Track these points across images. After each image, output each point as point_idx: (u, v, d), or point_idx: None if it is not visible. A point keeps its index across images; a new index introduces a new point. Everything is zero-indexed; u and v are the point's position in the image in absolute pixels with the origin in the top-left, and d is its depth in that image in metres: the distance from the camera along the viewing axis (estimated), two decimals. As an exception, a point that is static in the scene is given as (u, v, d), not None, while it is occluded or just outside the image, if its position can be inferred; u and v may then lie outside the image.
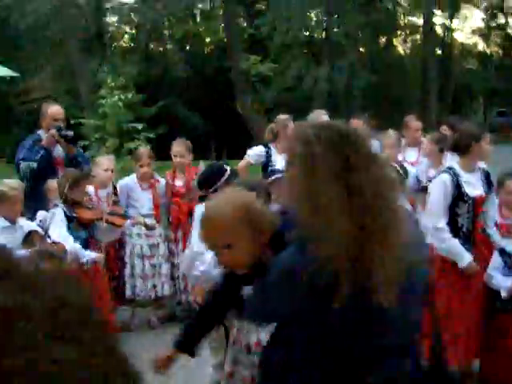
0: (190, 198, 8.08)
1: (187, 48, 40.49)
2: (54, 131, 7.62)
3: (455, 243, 5.85)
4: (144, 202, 7.99)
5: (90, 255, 6.45)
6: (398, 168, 7.19)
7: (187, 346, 3.59)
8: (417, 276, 2.50)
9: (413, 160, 8.51)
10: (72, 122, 12.55)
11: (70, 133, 7.87)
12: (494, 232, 6.38)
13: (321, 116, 8.94)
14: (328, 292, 2.31)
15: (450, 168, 5.97)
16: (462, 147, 5.97)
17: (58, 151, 7.81)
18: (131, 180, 8.05)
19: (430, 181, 7.32)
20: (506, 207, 6.95)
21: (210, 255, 4.63)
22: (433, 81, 40.28)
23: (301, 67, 30.24)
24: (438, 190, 5.88)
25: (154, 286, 7.97)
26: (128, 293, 7.91)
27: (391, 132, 8.30)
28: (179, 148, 8.19)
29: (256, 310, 2.84)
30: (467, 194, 5.83)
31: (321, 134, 2.43)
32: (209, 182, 5.33)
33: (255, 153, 8.72)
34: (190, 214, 8.01)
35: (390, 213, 2.35)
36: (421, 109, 37.91)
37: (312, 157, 2.38)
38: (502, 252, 6.20)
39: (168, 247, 8.11)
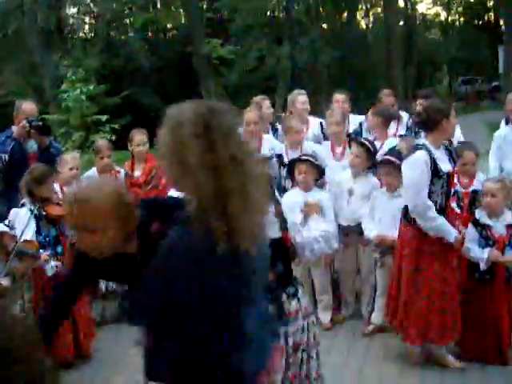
0: (149, 188, 8.11)
1: (148, 35, 40.30)
2: (24, 122, 7.64)
3: (443, 221, 5.84)
4: None
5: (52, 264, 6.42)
6: (367, 143, 7.31)
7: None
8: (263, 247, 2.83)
9: (393, 131, 8.47)
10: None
11: (41, 123, 7.90)
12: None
13: (298, 95, 8.99)
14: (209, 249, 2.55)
15: (422, 144, 5.88)
16: (430, 123, 5.89)
17: (32, 146, 7.81)
18: (92, 174, 8.01)
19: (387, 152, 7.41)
20: (463, 176, 7.11)
21: None
22: (396, 53, 40.38)
23: (263, 48, 30.18)
24: (420, 168, 5.76)
25: None
26: (102, 287, 7.93)
27: (337, 109, 8.35)
28: (141, 137, 8.21)
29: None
30: (442, 170, 5.80)
31: (190, 107, 2.78)
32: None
33: None
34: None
35: (246, 177, 2.64)
36: (386, 81, 38.03)
37: (179, 127, 2.70)
38: (476, 223, 6.35)
39: None
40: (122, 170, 8.26)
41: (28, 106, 8.04)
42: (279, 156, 7.98)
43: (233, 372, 2.74)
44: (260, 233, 2.71)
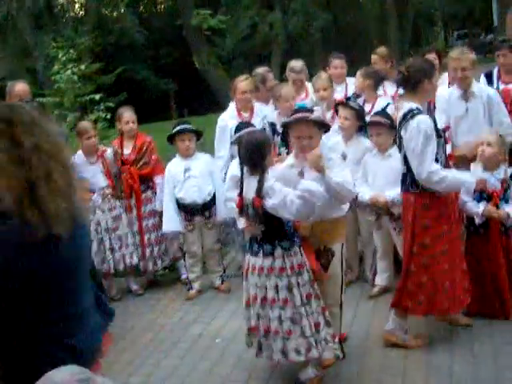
0: (140, 164, 8.11)
1: (140, 10, 40.06)
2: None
3: (453, 175, 5.71)
4: (97, 176, 8.01)
5: None
6: (354, 104, 7.28)
7: None
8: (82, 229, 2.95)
9: (393, 93, 8.38)
10: (34, 100, 12.40)
11: (35, 105, 7.86)
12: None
13: (292, 64, 8.95)
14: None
15: (416, 108, 5.65)
16: (411, 84, 5.71)
17: None
18: (78, 157, 7.99)
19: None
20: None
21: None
22: (391, 12, 40.09)
23: (254, 16, 29.96)
24: (423, 135, 5.51)
25: (123, 257, 8.04)
26: (99, 267, 7.97)
27: (322, 74, 8.31)
28: (129, 114, 8.23)
29: None
30: (439, 129, 5.75)
31: None
32: None
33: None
34: (142, 180, 8.07)
35: (52, 165, 2.76)
36: (381, 41, 37.79)
37: None
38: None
39: (127, 216, 8.14)
40: (109, 149, 8.24)
41: (21, 87, 8.04)
42: (272, 124, 7.98)
43: (67, 348, 2.82)
44: (73, 218, 2.79)
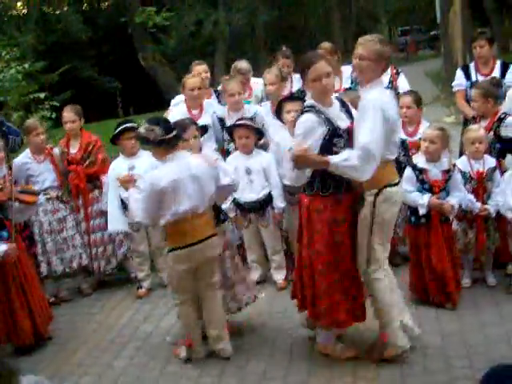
0: (86, 164, 8.04)
1: (84, 8, 39.66)
2: None
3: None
4: (45, 174, 7.90)
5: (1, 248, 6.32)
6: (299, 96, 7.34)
7: None
8: None
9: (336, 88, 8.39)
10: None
11: None
12: None
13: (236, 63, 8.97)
14: None
15: (310, 106, 5.40)
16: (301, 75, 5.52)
17: None
18: (25, 156, 7.90)
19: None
20: (408, 125, 7.33)
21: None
22: (334, 9, 40.40)
23: (198, 13, 29.92)
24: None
25: (69, 258, 7.95)
26: (43, 271, 7.88)
27: (273, 69, 8.33)
28: (68, 114, 8.12)
29: None
30: (340, 127, 5.33)
31: None
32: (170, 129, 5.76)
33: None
34: (89, 179, 8.00)
35: None
36: (325, 38, 38.00)
37: None
38: (414, 167, 6.59)
39: (73, 218, 8.06)
40: (56, 148, 8.15)
41: None
42: (221, 119, 8.01)
43: None
44: None
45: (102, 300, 8.02)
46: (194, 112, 8.08)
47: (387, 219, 5.37)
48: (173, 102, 8.97)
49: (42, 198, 7.49)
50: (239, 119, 7.56)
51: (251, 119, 7.66)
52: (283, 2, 37.50)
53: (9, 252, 6.31)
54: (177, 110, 8.24)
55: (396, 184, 5.43)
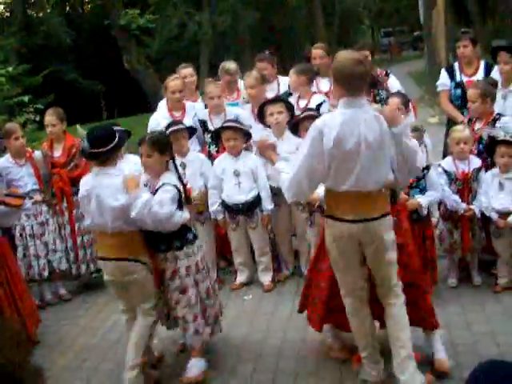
0: (70, 167, 8.02)
1: (67, 10, 39.56)
2: None
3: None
4: (26, 178, 7.85)
5: None
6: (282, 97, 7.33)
7: None
8: None
9: (327, 90, 8.39)
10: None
11: None
12: None
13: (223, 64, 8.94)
14: None
15: None
16: None
17: None
18: (5, 160, 7.86)
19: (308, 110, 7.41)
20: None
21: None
22: (317, 10, 40.47)
23: (182, 15, 29.90)
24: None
25: (49, 262, 7.92)
26: (23, 274, 7.84)
27: (253, 72, 8.32)
28: (50, 117, 8.09)
29: None
30: None
31: None
32: (101, 143, 5.36)
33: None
34: (72, 183, 7.98)
35: None
36: (309, 40, 38.04)
37: None
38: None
39: (56, 221, 8.04)
40: (37, 151, 8.13)
41: None
42: (203, 122, 8.02)
43: None
44: None
45: (87, 303, 8.00)
46: (176, 114, 8.11)
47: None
48: (159, 105, 8.98)
49: (28, 201, 7.45)
50: (226, 121, 7.57)
51: (237, 121, 7.67)
52: (266, 4, 37.53)
53: None
54: (159, 113, 8.26)
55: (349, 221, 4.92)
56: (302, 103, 8.02)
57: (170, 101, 8.17)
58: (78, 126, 7.87)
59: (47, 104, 13.61)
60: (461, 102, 8.08)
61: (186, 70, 8.78)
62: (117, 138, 5.43)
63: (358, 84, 4.74)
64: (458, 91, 8.17)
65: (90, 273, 8.27)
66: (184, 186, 5.63)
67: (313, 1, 39.57)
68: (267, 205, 7.38)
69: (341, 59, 4.79)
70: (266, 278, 7.59)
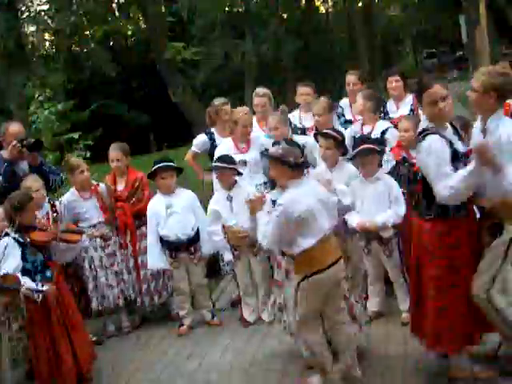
0: (133, 201, 8.08)
1: (111, 44, 40.06)
2: (15, 142, 7.62)
3: (463, 172, 5.17)
4: (92, 211, 7.94)
5: (39, 289, 6.32)
6: (333, 133, 7.29)
7: None
8: None
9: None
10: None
11: (32, 140, 7.91)
12: None
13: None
14: None
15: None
16: None
17: (23, 168, 7.80)
18: (71, 194, 7.97)
19: (368, 138, 7.39)
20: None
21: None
22: (359, 34, 40.43)
23: (225, 45, 30.14)
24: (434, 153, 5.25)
25: (121, 293, 7.98)
26: (94, 306, 7.92)
27: (321, 99, 8.34)
28: (115, 153, 8.21)
29: None
30: (459, 151, 5.36)
31: None
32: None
33: (198, 142, 8.76)
34: (136, 216, 8.03)
35: None
36: (352, 64, 38.01)
37: None
38: None
39: (122, 253, 8.08)
40: (102, 184, 8.20)
41: (15, 127, 8.03)
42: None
43: None
44: None
45: (144, 337, 7.99)
46: (242, 146, 8.14)
47: None
48: (194, 141, 8.96)
49: (85, 237, 7.52)
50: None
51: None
52: (308, 31, 37.64)
53: (49, 292, 6.34)
54: (223, 146, 8.24)
55: None
56: (366, 129, 7.99)
57: (240, 134, 8.16)
58: None
59: (95, 139, 13.80)
60: None
61: (227, 108, 8.78)
62: None
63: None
64: None
65: (153, 305, 8.25)
66: None
67: (354, 26, 39.54)
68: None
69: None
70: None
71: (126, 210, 8.06)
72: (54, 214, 7.63)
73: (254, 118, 8.57)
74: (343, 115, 8.97)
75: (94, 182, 8.23)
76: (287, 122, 8.33)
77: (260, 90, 8.99)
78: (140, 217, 8.09)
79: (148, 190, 8.27)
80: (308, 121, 8.71)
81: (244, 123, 8.10)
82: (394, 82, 8.72)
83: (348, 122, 8.66)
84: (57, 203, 7.81)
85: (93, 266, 7.91)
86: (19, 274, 6.24)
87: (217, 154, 8.05)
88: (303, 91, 8.92)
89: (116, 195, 8.12)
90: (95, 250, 7.90)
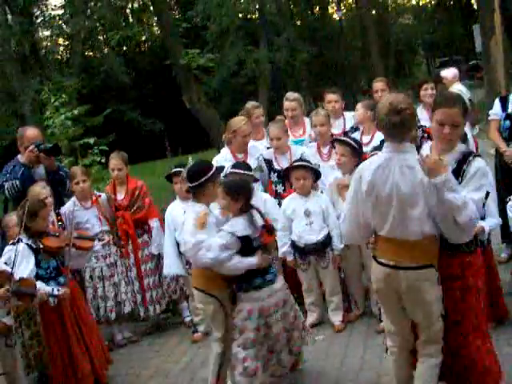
0: (134, 209, 8.05)
1: (124, 50, 40.22)
2: (32, 147, 7.63)
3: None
4: (92, 221, 7.89)
5: (54, 294, 6.33)
6: (350, 140, 7.27)
7: None
8: None
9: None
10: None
11: (49, 145, 7.89)
12: None
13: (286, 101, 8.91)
14: None
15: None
16: None
17: (40, 173, 7.80)
18: (71, 204, 7.87)
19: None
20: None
21: (213, 240, 5.53)
22: (372, 42, 40.45)
23: (240, 52, 30.21)
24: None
25: (116, 305, 7.94)
26: (110, 315, 7.90)
27: (320, 110, 8.31)
28: (115, 162, 8.21)
29: None
30: None
31: None
32: (196, 176, 5.75)
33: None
34: (137, 225, 8.01)
35: None
36: (365, 72, 38.04)
37: None
38: None
39: (123, 263, 8.05)
40: (103, 194, 8.19)
41: (31, 132, 8.05)
42: (269, 161, 7.99)
43: None
44: None
45: (157, 345, 7.96)
46: (239, 156, 8.08)
47: None
48: (215, 158, 8.78)
49: (97, 243, 7.49)
50: (296, 160, 7.53)
51: (307, 161, 7.64)
52: (322, 39, 37.70)
53: (64, 297, 6.33)
54: (221, 155, 8.20)
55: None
56: (366, 139, 7.96)
57: (238, 144, 8.10)
58: (189, 158, 7.89)
59: (109, 144, 13.77)
60: (508, 134, 7.99)
61: (258, 110, 8.74)
62: (209, 174, 5.79)
63: (395, 132, 4.59)
64: (507, 123, 8.02)
65: (158, 314, 8.27)
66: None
67: (368, 34, 39.56)
68: (338, 244, 7.29)
69: (380, 106, 4.65)
70: (336, 318, 7.47)
71: (127, 219, 8.03)
72: (59, 223, 7.60)
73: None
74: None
75: (97, 193, 8.20)
76: (287, 132, 8.27)
77: (290, 95, 8.90)
78: (141, 225, 8.09)
79: (149, 198, 8.26)
80: (335, 128, 8.60)
81: (243, 133, 8.01)
82: (429, 90, 8.66)
83: (356, 130, 8.51)
84: (61, 213, 7.79)
85: (93, 277, 7.88)
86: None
87: (214, 162, 8.02)
88: (330, 98, 8.82)
89: (116, 204, 8.10)
90: (97, 260, 7.87)
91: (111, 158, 8.28)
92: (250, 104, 8.83)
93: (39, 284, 6.20)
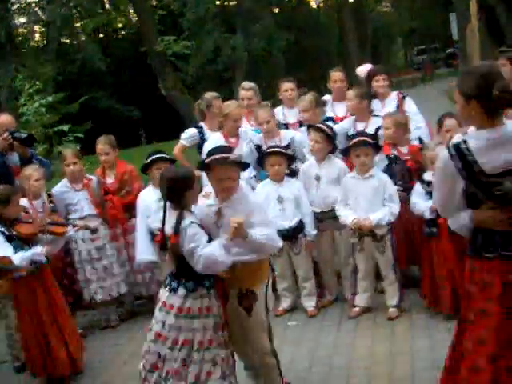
0: (122, 193, 8.07)
1: (101, 37, 40.01)
2: (6, 134, 7.54)
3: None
4: (82, 203, 7.90)
5: (35, 253, 6.31)
6: (324, 127, 7.33)
7: None
8: None
9: (343, 115, 8.52)
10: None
11: (24, 135, 7.81)
12: None
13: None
14: None
15: None
16: None
17: (13, 160, 7.73)
18: (63, 185, 7.93)
19: (365, 134, 7.41)
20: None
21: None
22: (350, 30, 40.52)
23: (216, 39, 30.15)
24: None
25: (110, 288, 7.96)
26: (86, 297, 7.92)
27: (306, 96, 8.33)
28: (101, 146, 8.20)
29: None
30: None
31: None
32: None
33: (188, 135, 8.69)
34: (126, 209, 8.02)
35: None
36: (342, 60, 38.08)
37: None
38: (422, 181, 6.79)
39: (112, 246, 8.06)
40: (94, 177, 8.17)
41: (5, 119, 7.94)
42: (258, 146, 8.02)
43: None
44: None
45: (131, 331, 7.94)
46: (232, 140, 8.10)
47: None
48: (182, 135, 8.85)
49: (70, 229, 7.49)
50: (270, 146, 7.56)
51: (288, 145, 7.73)
52: (299, 26, 37.66)
53: (45, 253, 6.40)
54: (213, 140, 8.14)
55: None
56: (360, 126, 7.99)
57: (229, 127, 8.11)
58: None
59: (84, 131, 13.73)
60: None
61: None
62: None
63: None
64: None
65: (150, 295, 8.17)
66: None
67: (345, 21, 39.60)
68: (311, 230, 7.33)
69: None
70: (309, 304, 7.53)
71: (116, 203, 8.05)
72: (51, 205, 7.62)
73: None
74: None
75: (89, 176, 8.18)
76: (275, 117, 8.29)
77: (246, 84, 9.00)
78: (130, 209, 8.09)
79: (138, 182, 8.26)
80: (291, 117, 8.66)
81: (235, 117, 8.06)
82: (381, 81, 8.68)
83: (329, 120, 8.53)
84: (52, 194, 7.84)
85: (80, 259, 7.89)
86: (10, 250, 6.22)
87: (206, 148, 8.00)
88: (286, 87, 8.84)
89: (105, 188, 8.09)
90: (84, 242, 7.87)
91: (98, 143, 8.27)
92: (208, 95, 8.81)
93: (16, 255, 6.19)
